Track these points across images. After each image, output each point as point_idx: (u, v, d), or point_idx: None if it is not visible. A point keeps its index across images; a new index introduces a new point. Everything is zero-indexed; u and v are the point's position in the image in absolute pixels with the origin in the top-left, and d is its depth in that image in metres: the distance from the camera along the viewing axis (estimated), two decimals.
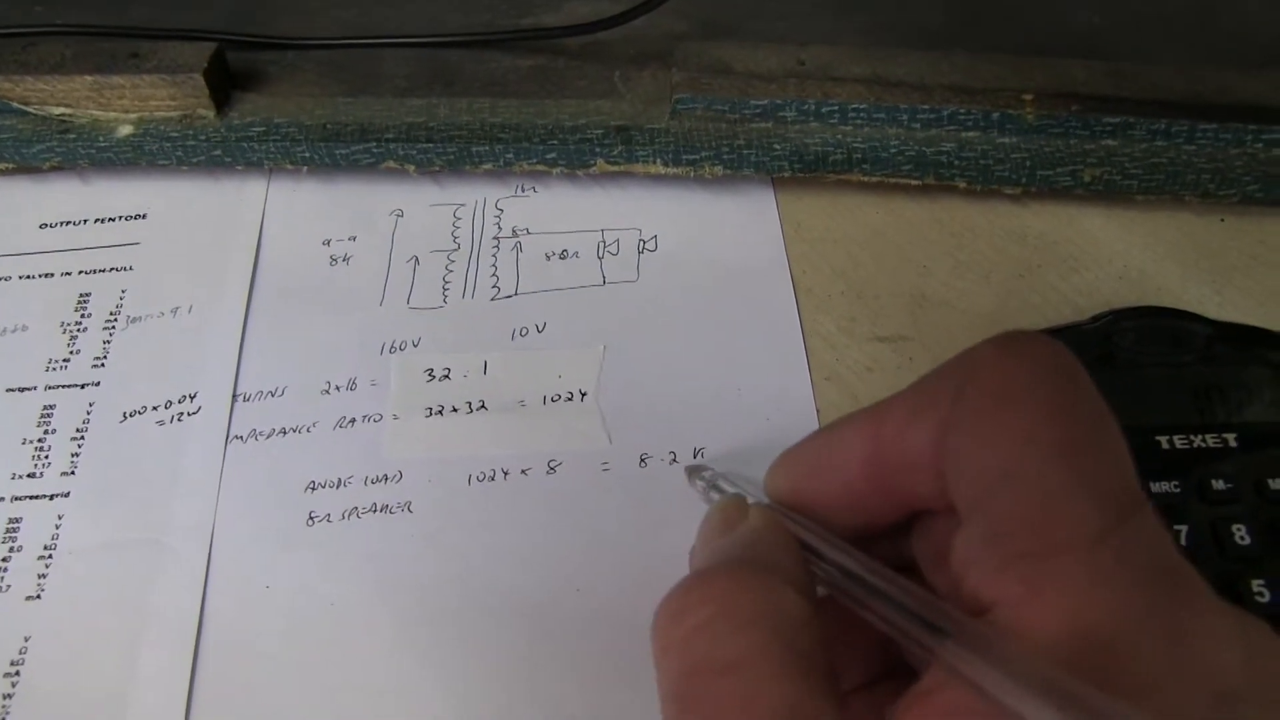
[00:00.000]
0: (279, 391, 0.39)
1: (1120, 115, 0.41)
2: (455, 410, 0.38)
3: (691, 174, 0.42)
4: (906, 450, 0.23)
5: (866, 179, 0.43)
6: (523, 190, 0.44)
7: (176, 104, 0.44)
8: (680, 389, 0.38)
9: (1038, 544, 0.19)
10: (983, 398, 0.21)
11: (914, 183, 0.43)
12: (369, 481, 0.36)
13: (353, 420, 0.38)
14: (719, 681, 0.19)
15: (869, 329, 0.40)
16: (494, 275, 0.41)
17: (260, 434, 0.38)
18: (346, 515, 0.36)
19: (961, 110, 0.42)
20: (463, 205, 0.44)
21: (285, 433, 0.37)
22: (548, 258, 0.42)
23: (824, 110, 0.42)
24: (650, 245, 0.42)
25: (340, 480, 0.36)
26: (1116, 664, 0.17)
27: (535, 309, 0.41)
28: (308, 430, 0.37)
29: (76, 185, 0.46)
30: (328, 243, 0.43)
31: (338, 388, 0.39)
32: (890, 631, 0.21)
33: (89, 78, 0.43)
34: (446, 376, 0.39)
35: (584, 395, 0.38)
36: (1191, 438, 0.34)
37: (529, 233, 0.42)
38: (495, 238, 0.42)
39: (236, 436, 0.38)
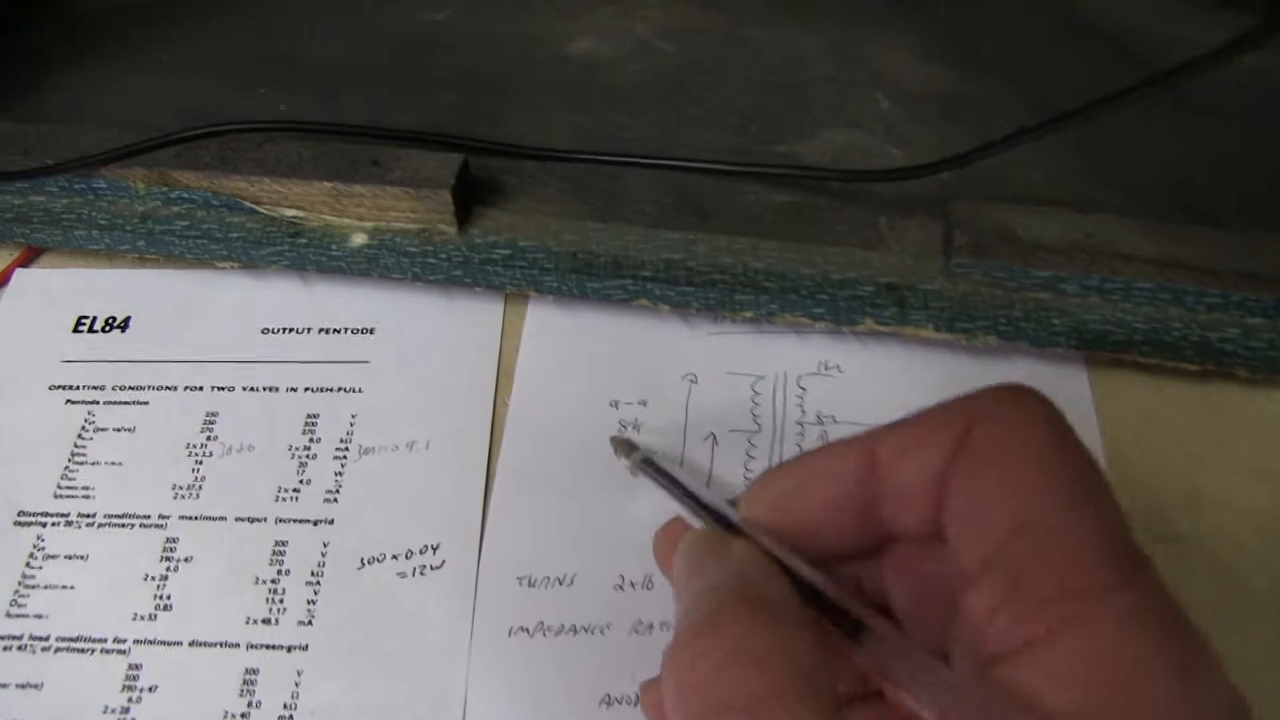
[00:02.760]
0: (539, 574, 0.36)
1: None
2: None
3: (963, 342, 0.40)
4: (901, 479, 0.24)
5: (1143, 360, 0.40)
6: (826, 369, 0.41)
7: (417, 217, 0.41)
8: None
9: (1061, 591, 0.20)
10: (992, 447, 0.23)
11: (1191, 367, 0.40)
12: None
13: (650, 626, 0.35)
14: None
15: (1140, 525, 0.38)
16: None
17: (526, 628, 0.35)
18: None
19: (1251, 297, 0.39)
20: (761, 378, 0.40)
21: (553, 631, 0.35)
22: None
23: (1107, 286, 0.39)
24: None
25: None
26: (1138, 701, 0.19)
27: None
28: (599, 631, 0.35)
29: (298, 288, 0.44)
30: (616, 405, 0.40)
31: (632, 584, 0.36)
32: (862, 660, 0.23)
33: (328, 184, 0.41)
34: None
35: None
36: None
37: (835, 421, 0.40)
38: (799, 422, 0.40)
39: (495, 621, 0.36)
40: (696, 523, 0.30)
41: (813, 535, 0.26)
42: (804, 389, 0.41)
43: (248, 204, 0.42)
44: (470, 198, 0.42)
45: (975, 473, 0.23)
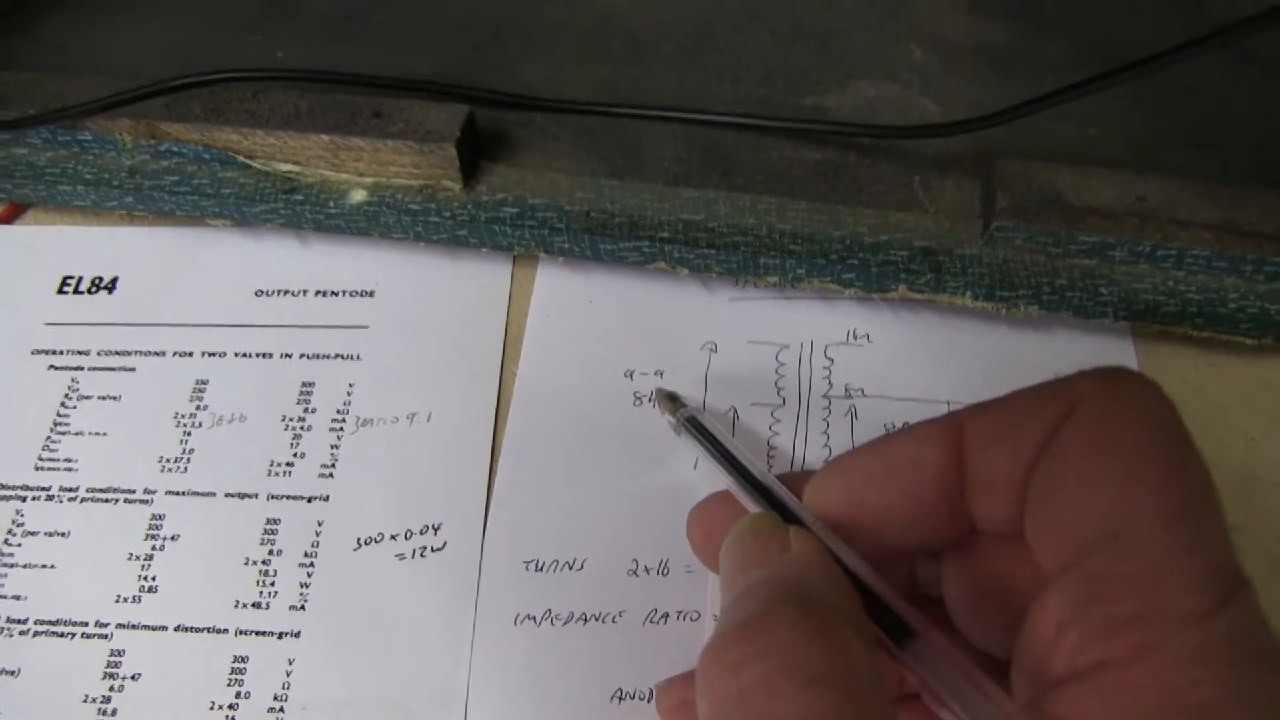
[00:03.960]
0: (546, 557, 0.33)
1: None
2: None
3: (1003, 311, 0.37)
4: (988, 468, 0.22)
5: (1195, 334, 0.37)
6: (854, 338, 0.39)
7: (420, 173, 0.38)
8: None
9: (1143, 611, 0.18)
10: (1087, 441, 0.20)
11: (1248, 341, 0.37)
12: None
13: (665, 615, 0.32)
14: None
15: None
16: (826, 443, 0.36)
17: (532, 615, 0.33)
18: None
19: None
20: (786, 348, 0.38)
21: (561, 619, 0.33)
22: (886, 429, 0.36)
23: (1158, 254, 0.36)
24: None
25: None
26: None
27: None
28: (611, 619, 0.32)
29: (294, 247, 0.41)
30: (630, 375, 0.37)
31: (647, 570, 0.33)
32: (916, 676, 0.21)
33: (325, 137, 0.38)
34: None
35: None
36: None
37: (864, 394, 0.37)
38: (826, 395, 0.37)
39: (500, 607, 0.33)
40: (747, 501, 0.27)
41: (890, 528, 0.24)
42: (831, 359, 0.38)
43: (240, 158, 0.39)
44: (477, 152, 0.39)
45: (1065, 466, 0.20)
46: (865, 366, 0.38)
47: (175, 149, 0.40)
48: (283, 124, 0.39)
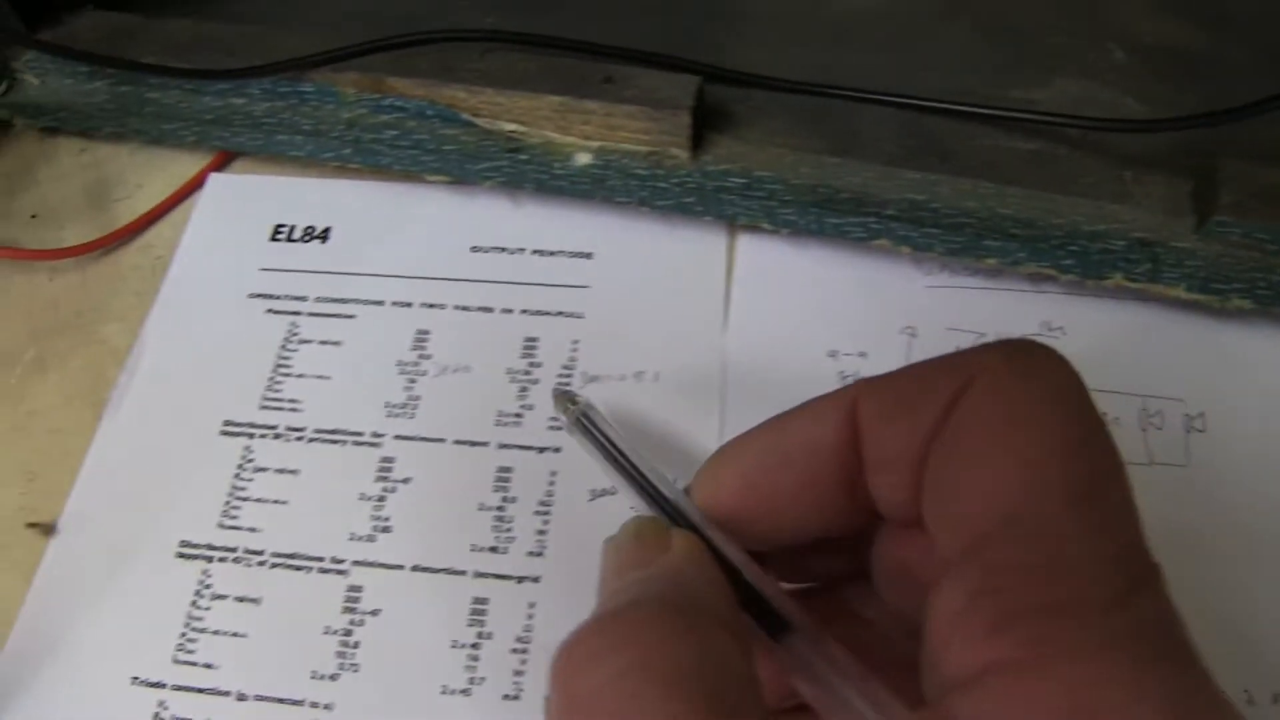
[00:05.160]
0: None
1: None
2: None
3: (1215, 304, 0.38)
4: (883, 447, 0.20)
5: None
6: (1049, 329, 0.39)
7: (649, 139, 0.39)
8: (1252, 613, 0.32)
9: (1044, 602, 0.16)
10: (984, 415, 0.18)
11: None
12: None
13: None
14: None
15: None
16: None
17: None
18: None
19: None
20: (983, 336, 0.38)
21: None
22: None
23: None
24: (1198, 424, 0.37)
25: None
26: None
27: None
28: None
29: (507, 208, 0.42)
30: (834, 355, 0.37)
31: None
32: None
33: (557, 99, 0.39)
34: None
35: None
36: None
37: None
38: None
39: None
40: (637, 503, 0.27)
41: (788, 516, 0.22)
42: None
43: (465, 116, 0.40)
44: (702, 123, 0.40)
45: (960, 443, 0.19)
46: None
47: (398, 104, 0.41)
48: (513, 84, 0.40)
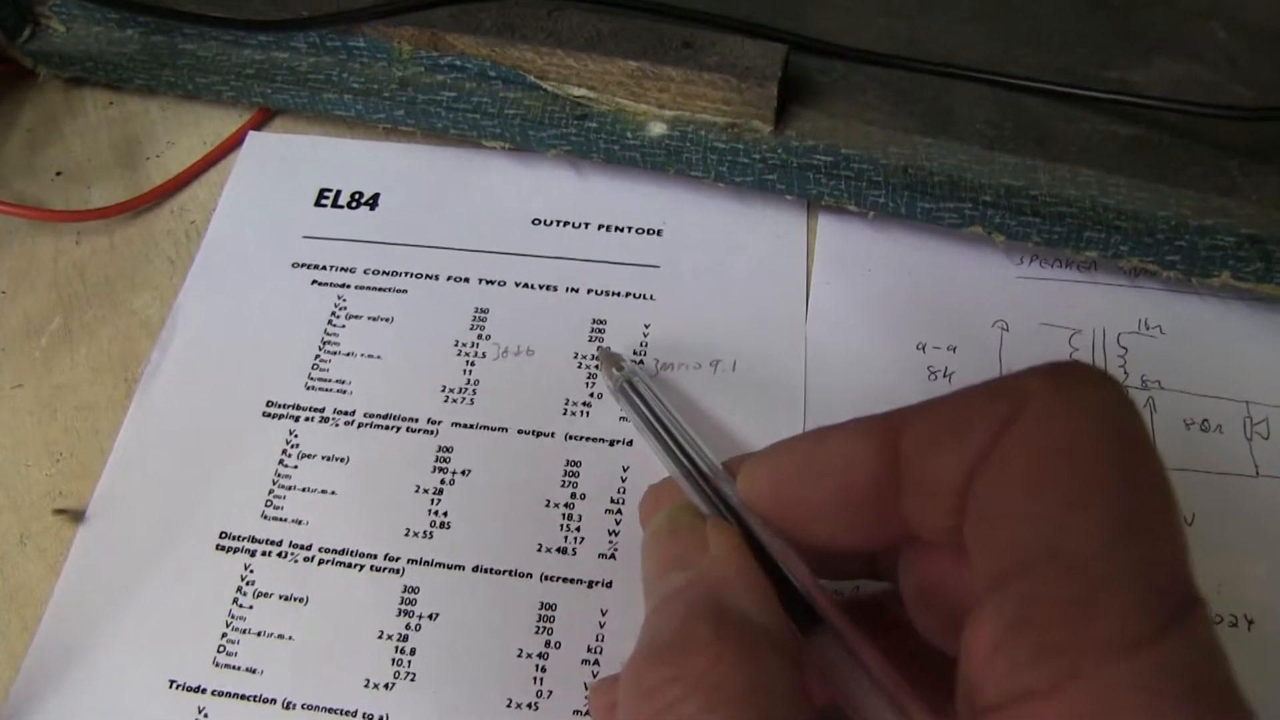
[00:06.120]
0: None
1: None
2: None
3: None
4: (926, 474, 0.20)
5: None
6: (1146, 328, 0.37)
7: (730, 110, 0.36)
8: None
9: (1073, 639, 0.16)
10: (1031, 445, 0.18)
11: None
12: None
13: None
14: None
15: None
16: None
17: None
18: None
19: None
20: (1078, 333, 0.36)
21: None
22: (1186, 426, 0.34)
23: None
24: None
25: None
26: None
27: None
28: None
29: (570, 177, 0.39)
30: (923, 348, 0.35)
31: None
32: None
33: (633, 63, 0.36)
34: None
35: (1250, 624, 0.31)
36: None
37: (1161, 387, 0.35)
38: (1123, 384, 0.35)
39: None
40: (680, 481, 0.26)
41: (818, 527, 0.22)
42: (1125, 348, 0.36)
43: (531, 78, 0.37)
44: (786, 95, 0.37)
45: (1007, 473, 0.19)
46: (1161, 358, 0.36)
47: (457, 63, 0.38)
48: (585, 46, 0.36)
